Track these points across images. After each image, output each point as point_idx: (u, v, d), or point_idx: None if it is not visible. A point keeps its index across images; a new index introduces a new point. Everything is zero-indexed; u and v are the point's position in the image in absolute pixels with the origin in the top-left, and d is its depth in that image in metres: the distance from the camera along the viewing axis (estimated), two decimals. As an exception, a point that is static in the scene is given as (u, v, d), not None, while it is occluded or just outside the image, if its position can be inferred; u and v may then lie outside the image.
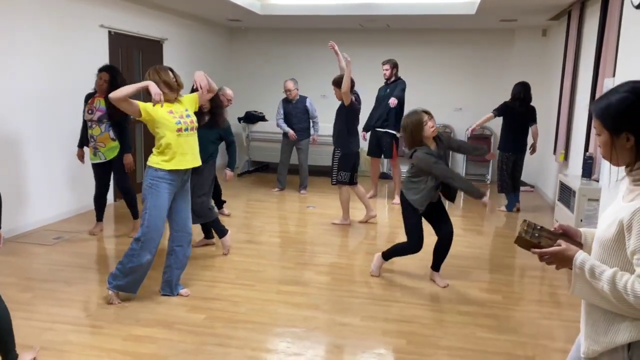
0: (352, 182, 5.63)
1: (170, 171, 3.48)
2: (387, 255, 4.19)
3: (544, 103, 8.04)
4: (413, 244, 4.01)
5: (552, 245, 1.59)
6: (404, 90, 6.76)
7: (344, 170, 5.55)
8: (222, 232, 4.64)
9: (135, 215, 5.20)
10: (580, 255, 1.52)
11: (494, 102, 8.51)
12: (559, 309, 3.73)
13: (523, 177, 8.30)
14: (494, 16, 7.36)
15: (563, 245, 1.57)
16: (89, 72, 5.94)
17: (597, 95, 5.31)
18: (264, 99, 9.13)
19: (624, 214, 1.46)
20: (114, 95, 3.30)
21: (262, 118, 8.81)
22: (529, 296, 3.94)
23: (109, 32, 6.27)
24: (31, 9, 5.12)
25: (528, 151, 6.55)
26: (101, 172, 5.02)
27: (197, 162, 3.64)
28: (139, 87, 3.38)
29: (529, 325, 3.44)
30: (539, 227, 1.66)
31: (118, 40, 6.45)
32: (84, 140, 5.07)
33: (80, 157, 5.13)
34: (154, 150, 3.52)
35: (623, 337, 1.49)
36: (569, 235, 1.70)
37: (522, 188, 8.03)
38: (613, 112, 1.48)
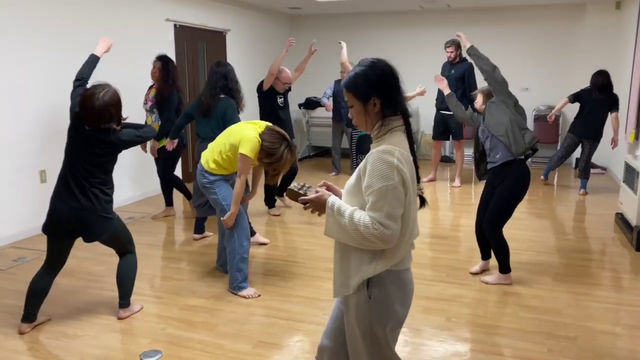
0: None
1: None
2: (504, 267, 3.72)
3: (616, 81, 7.59)
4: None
5: None
6: (473, 75, 6.63)
7: (363, 153, 5.70)
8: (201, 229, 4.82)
9: (168, 202, 5.50)
10: (331, 198, 1.79)
11: (563, 81, 8.22)
12: (612, 292, 3.62)
13: (594, 159, 7.97)
14: (561, -10, 7.02)
15: (319, 192, 1.83)
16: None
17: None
18: (324, 85, 9.24)
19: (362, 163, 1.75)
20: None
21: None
22: (580, 279, 3.85)
23: (174, 25, 6.64)
24: (100, 7, 5.55)
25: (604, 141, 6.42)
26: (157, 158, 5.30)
27: None
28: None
29: (575, 306, 3.38)
30: (308, 185, 1.95)
31: (183, 33, 6.82)
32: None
33: (143, 147, 5.38)
34: (217, 159, 3.53)
35: (363, 275, 1.75)
36: (333, 192, 1.92)
37: (593, 170, 7.72)
38: (361, 83, 1.76)
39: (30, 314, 3.10)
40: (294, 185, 1.94)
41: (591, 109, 6.15)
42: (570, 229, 5.07)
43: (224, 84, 4.39)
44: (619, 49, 7.56)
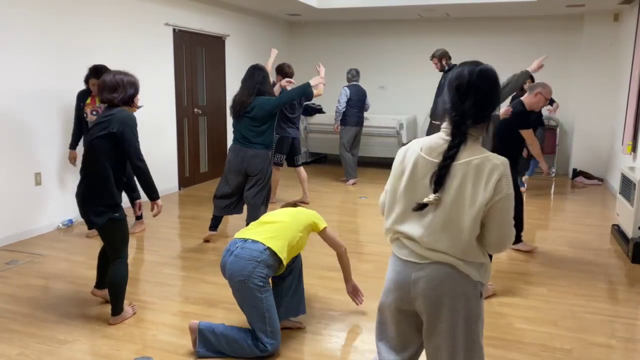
0: (291, 164, 6.28)
1: None
2: None
3: (613, 93, 7.63)
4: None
5: None
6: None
7: (280, 153, 6.05)
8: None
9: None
10: None
11: (562, 91, 8.23)
12: (607, 304, 3.60)
13: (591, 170, 8.00)
14: (560, 1, 7.05)
15: None
16: (155, 69, 6.36)
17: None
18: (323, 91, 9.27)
19: None
20: None
21: (320, 110, 8.96)
22: (577, 290, 3.83)
23: (174, 29, 6.64)
24: (99, 12, 5.54)
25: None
26: None
27: None
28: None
29: (571, 318, 3.36)
30: None
31: (182, 38, 6.82)
32: (77, 142, 4.88)
33: (73, 159, 4.93)
34: (290, 244, 2.99)
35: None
36: None
37: (589, 181, 7.74)
38: None
39: (100, 282, 3.49)
40: None
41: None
42: (566, 240, 5.05)
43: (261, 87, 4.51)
44: (617, 60, 7.59)
